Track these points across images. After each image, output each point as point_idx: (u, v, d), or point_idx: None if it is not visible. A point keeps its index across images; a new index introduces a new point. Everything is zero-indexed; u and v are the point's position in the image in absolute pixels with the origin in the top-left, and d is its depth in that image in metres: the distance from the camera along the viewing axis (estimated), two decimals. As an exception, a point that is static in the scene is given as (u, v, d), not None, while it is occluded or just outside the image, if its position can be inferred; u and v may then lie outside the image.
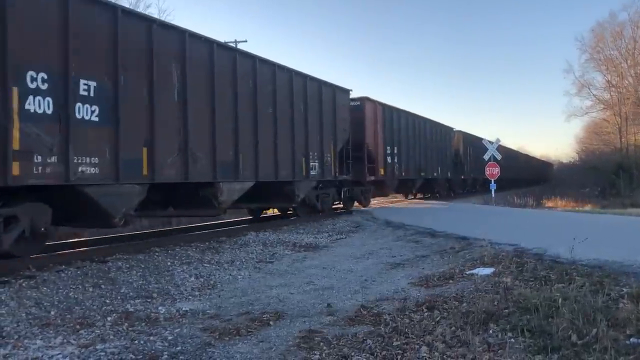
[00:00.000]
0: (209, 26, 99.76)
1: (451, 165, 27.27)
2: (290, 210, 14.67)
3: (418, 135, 21.91)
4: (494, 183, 21.93)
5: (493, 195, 22.38)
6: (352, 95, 16.40)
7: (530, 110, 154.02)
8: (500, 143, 24.24)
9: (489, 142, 23.14)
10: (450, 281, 5.98)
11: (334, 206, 16.01)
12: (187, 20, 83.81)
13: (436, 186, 25.80)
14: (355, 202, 17.18)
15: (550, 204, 32.84)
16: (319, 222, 13.38)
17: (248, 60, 10.86)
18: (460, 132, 29.49)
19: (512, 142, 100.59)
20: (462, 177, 29.64)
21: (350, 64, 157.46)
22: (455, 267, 6.71)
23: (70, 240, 9.30)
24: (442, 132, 25.81)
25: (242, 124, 10.43)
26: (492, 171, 21.70)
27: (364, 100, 17.21)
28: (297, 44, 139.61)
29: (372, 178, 17.27)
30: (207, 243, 9.46)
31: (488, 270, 6.17)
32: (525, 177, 49.46)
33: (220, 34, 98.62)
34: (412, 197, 25.24)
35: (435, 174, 24.16)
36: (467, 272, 6.29)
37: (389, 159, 18.64)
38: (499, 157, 22.54)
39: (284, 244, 9.72)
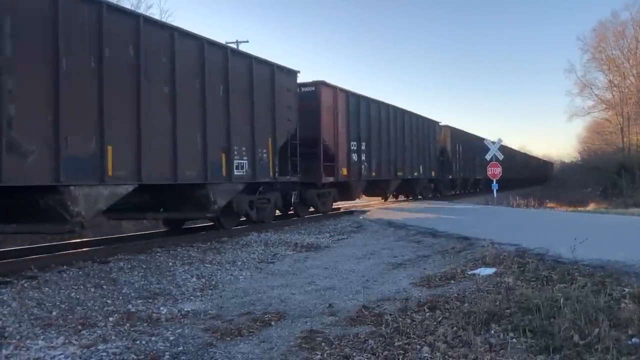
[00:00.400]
0: (211, 27, 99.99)
1: (436, 163, 24.33)
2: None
3: (394, 129, 18.93)
4: (496, 183, 21.95)
5: (495, 196, 22.39)
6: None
7: (532, 109, 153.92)
8: (502, 143, 23.99)
9: (492, 142, 23.04)
10: (452, 281, 5.97)
11: (289, 212, 13.86)
12: (189, 21, 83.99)
13: (417, 187, 22.83)
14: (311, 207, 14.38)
15: (551, 204, 32.81)
16: (321, 222, 13.42)
17: (126, 20, 8.04)
18: (447, 127, 26.59)
19: (514, 142, 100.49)
20: (450, 177, 26.95)
21: (352, 63, 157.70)
22: (456, 267, 6.70)
23: (72, 241, 9.31)
24: (425, 126, 22.68)
25: (113, 105, 7.65)
26: (494, 171, 21.69)
27: (319, 85, 14.05)
28: (299, 44, 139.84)
29: (331, 179, 14.37)
30: (208, 243, 9.48)
31: (490, 271, 6.16)
32: (524, 177, 49.07)
33: (222, 34, 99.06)
34: (394, 199, 22.83)
35: (415, 174, 21.34)
36: (469, 272, 6.28)
37: (354, 157, 15.72)
38: (501, 157, 22.43)
39: (285, 244, 9.72)
